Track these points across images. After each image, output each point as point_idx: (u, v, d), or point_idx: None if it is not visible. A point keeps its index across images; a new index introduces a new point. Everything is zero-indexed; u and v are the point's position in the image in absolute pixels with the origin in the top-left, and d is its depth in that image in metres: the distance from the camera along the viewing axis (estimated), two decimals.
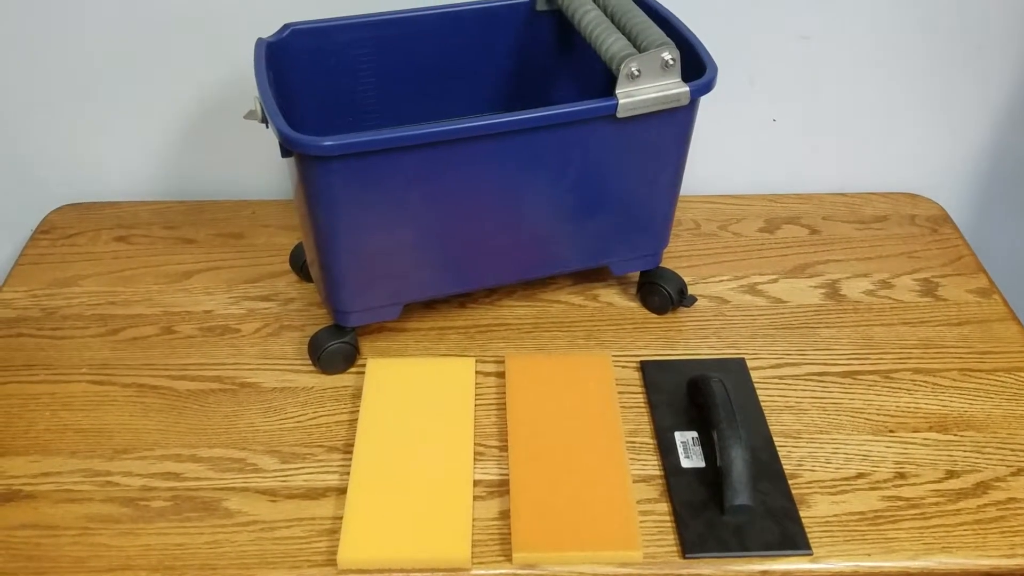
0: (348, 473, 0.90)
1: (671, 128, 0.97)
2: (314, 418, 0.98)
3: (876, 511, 0.89)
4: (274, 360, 1.04)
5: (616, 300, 1.12)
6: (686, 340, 1.07)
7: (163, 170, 1.27)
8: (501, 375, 1.02)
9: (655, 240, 1.06)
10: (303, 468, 0.92)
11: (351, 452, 0.93)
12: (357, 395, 1.00)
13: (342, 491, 0.90)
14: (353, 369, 1.03)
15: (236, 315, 1.10)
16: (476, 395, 1.00)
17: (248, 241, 1.21)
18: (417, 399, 0.97)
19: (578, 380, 1.00)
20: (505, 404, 0.98)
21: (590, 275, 1.15)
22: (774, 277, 1.17)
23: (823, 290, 1.15)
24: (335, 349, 1.01)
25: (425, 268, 0.98)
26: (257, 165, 1.26)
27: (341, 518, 0.86)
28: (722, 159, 1.30)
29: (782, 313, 1.11)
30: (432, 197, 0.92)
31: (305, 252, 1.09)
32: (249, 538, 0.86)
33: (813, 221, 1.27)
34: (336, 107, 1.06)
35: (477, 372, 1.02)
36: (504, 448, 0.94)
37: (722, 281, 1.16)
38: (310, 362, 1.02)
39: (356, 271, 0.96)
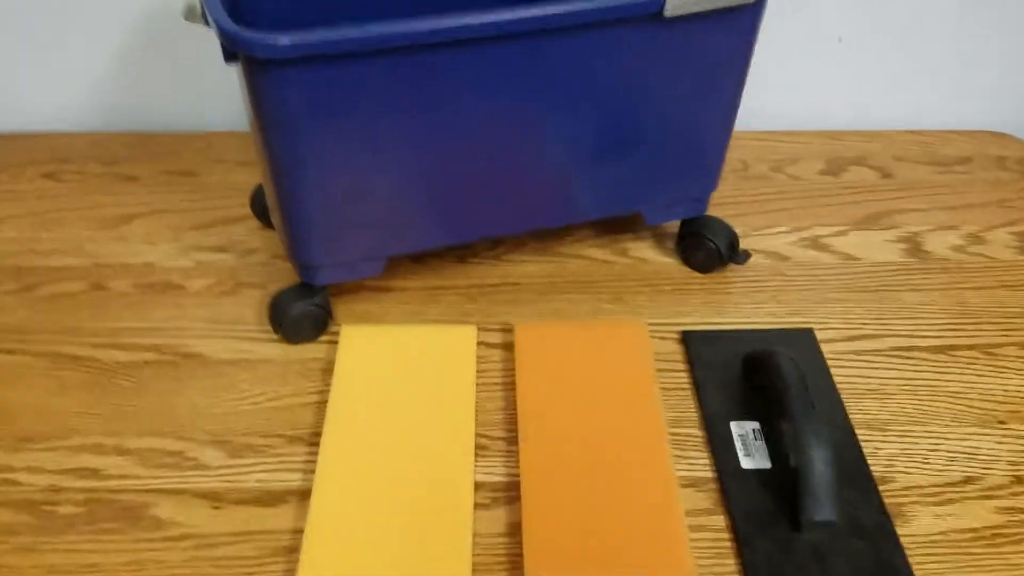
0: (314, 472, 0.70)
1: (732, 35, 0.76)
2: (274, 399, 0.77)
3: (993, 527, 0.69)
4: (227, 325, 0.84)
5: (650, 255, 0.92)
6: (738, 305, 0.86)
7: (101, 96, 1.06)
8: (509, 347, 0.82)
9: (702, 181, 0.85)
10: (257, 464, 0.72)
11: (319, 444, 0.72)
12: (329, 370, 0.79)
13: (306, 495, 0.70)
14: (325, 338, 0.83)
15: (182, 269, 0.89)
16: (478, 372, 0.80)
17: (201, 180, 1.00)
18: (403, 377, 0.77)
19: (605, 354, 0.79)
20: (514, 384, 0.78)
21: (618, 224, 0.95)
22: (842, 228, 0.96)
23: (903, 245, 0.94)
24: (301, 312, 0.80)
25: (412, 213, 0.77)
26: (213, 87, 1.05)
27: (302, 532, 0.66)
28: (774, 87, 1.09)
29: (855, 273, 0.90)
30: (419, 119, 0.71)
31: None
32: (182, 557, 0.66)
33: (883, 162, 1.05)
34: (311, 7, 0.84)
35: (479, 343, 0.82)
36: (513, 441, 0.74)
37: (779, 233, 0.95)
38: (271, 329, 0.82)
39: (324, 215, 0.75)
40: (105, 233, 0.93)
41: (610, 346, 0.80)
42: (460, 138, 0.73)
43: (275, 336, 0.82)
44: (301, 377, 0.79)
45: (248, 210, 0.95)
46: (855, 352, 0.82)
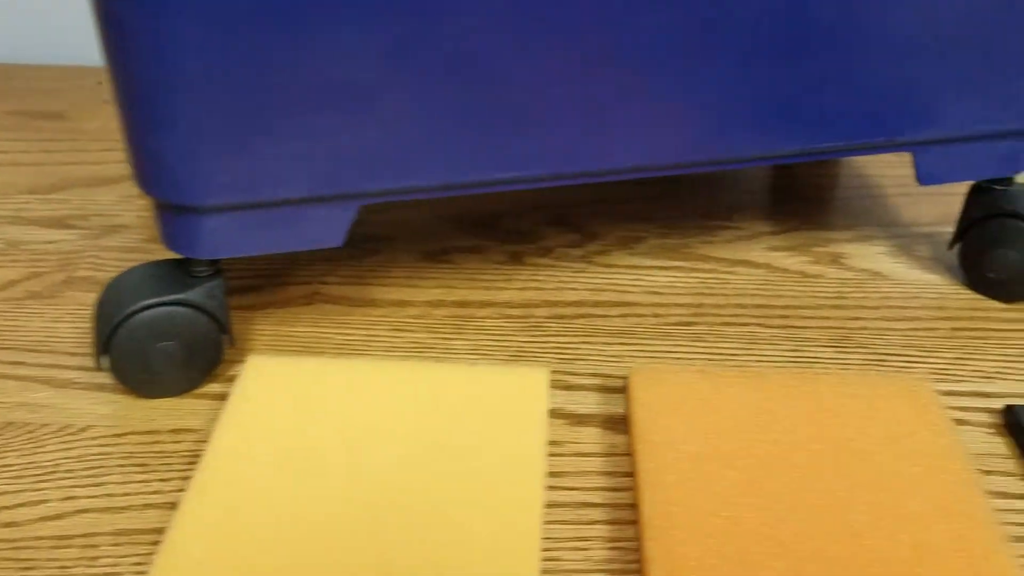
0: None
1: None
2: (96, 510, 0.33)
3: None
4: (21, 354, 0.40)
5: (889, 267, 0.47)
6: None
7: None
8: (614, 422, 0.37)
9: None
10: None
11: None
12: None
13: None
14: (216, 386, 0.38)
15: None
16: (551, 476, 0.34)
17: (71, 125, 0.58)
18: (387, 476, 0.32)
19: (850, 444, 0.34)
20: (638, 502, 0.32)
21: (809, 212, 0.50)
22: None
23: None
24: (156, 321, 0.36)
25: (394, 107, 0.34)
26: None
27: None
28: None
29: None
30: None
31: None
32: None
33: None
34: None
35: (553, 412, 0.37)
36: None
37: None
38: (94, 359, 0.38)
39: (212, 83, 0.32)
40: None
41: (861, 428, 0.34)
42: None
43: (106, 375, 0.38)
44: (144, 471, 0.34)
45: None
46: None
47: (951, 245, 0.45)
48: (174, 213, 0.35)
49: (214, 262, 0.36)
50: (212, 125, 0.33)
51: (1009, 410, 0.37)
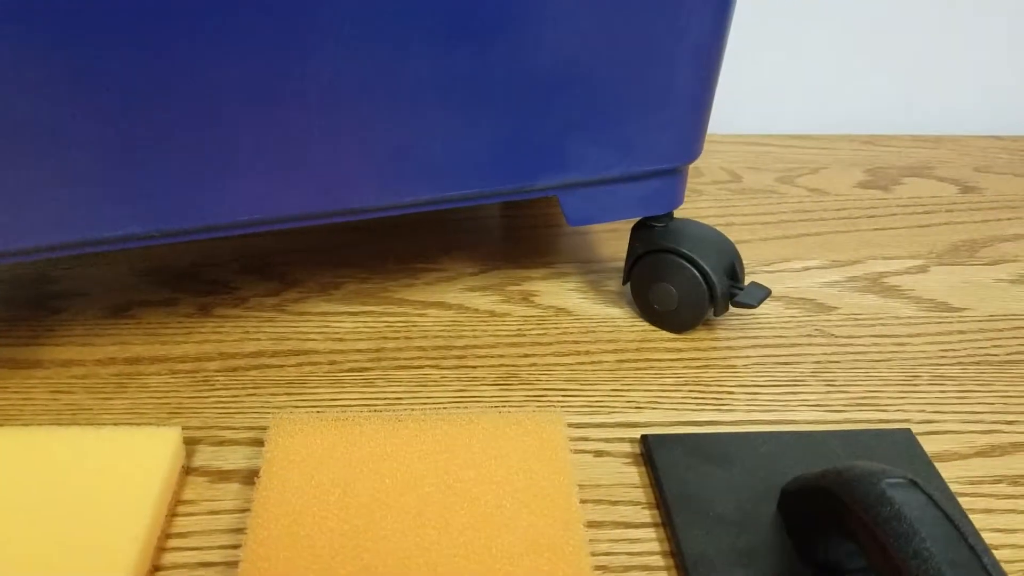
0: None
1: None
2: None
3: None
4: None
5: (575, 302, 0.48)
6: (752, 390, 0.43)
7: None
8: (250, 476, 0.37)
9: (671, 135, 0.43)
10: None
11: None
12: None
13: None
14: None
15: None
16: (172, 538, 0.34)
17: None
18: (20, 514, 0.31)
19: (469, 489, 0.34)
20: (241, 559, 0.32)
21: (514, 245, 0.52)
22: (918, 263, 0.54)
23: None
24: None
25: (44, 150, 0.34)
26: None
27: None
28: (773, 75, 0.69)
29: (963, 332, 0.48)
30: None
31: None
32: None
33: (959, 173, 0.65)
34: None
35: (193, 470, 0.37)
36: None
37: (808, 269, 0.53)
38: None
39: None
40: None
41: (483, 471, 0.35)
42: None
43: None
44: None
45: None
46: (1010, 478, 0.39)
47: (624, 281, 0.47)
48: None
49: None
50: None
51: (644, 440, 0.39)
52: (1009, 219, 0.59)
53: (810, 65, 0.69)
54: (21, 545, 0.32)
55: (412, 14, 0.35)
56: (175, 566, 0.33)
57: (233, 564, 0.33)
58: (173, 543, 0.34)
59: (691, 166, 0.45)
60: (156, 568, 0.33)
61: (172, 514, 0.35)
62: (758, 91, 0.69)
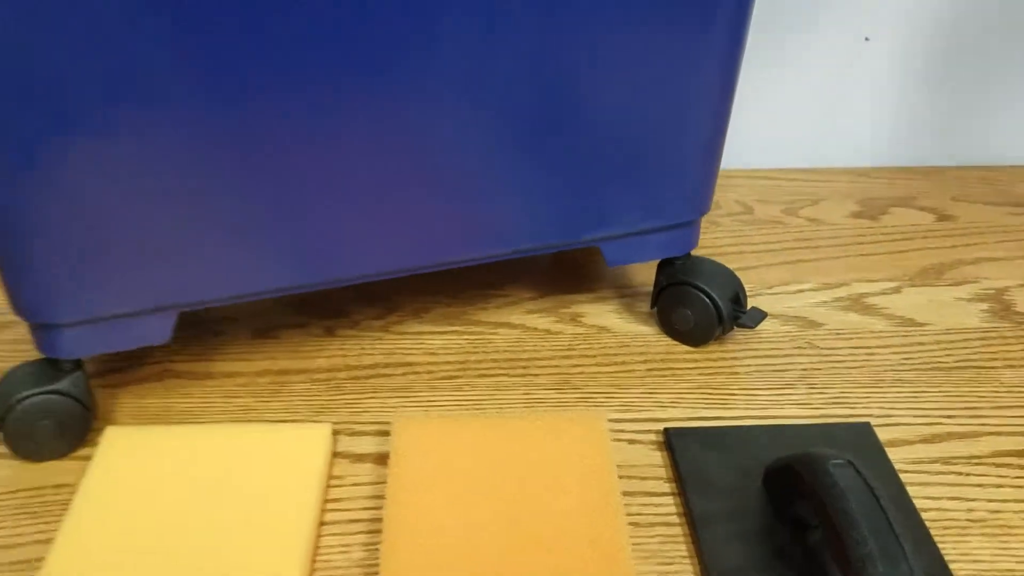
0: None
1: None
2: None
3: None
4: None
5: (614, 322, 0.62)
6: (751, 392, 0.56)
7: None
8: (384, 459, 0.51)
9: (686, 196, 0.56)
10: None
11: None
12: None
13: None
14: (85, 450, 0.51)
15: None
16: (329, 502, 0.48)
17: None
18: (202, 508, 0.45)
19: (537, 467, 0.48)
20: (384, 517, 0.46)
21: (566, 278, 0.65)
22: (894, 284, 0.66)
23: (983, 305, 0.64)
24: (35, 405, 0.49)
25: (211, 232, 0.48)
26: None
27: None
28: (776, 114, 0.81)
29: (922, 343, 0.60)
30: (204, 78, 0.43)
31: None
32: None
33: (938, 202, 0.77)
34: None
35: (338, 455, 0.51)
36: None
37: (803, 291, 0.65)
38: None
39: (60, 231, 0.45)
40: None
41: (547, 453, 0.49)
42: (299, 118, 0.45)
43: (2, 445, 0.50)
44: (33, 517, 0.47)
45: None
46: (942, 459, 0.51)
47: (652, 306, 0.60)
48: (40, 329, 0.48)
49: (75, 359, 0.50)
50: (61, 253, 0.46)
51: (666, 432, 0.52)
52: (976, 244, 0.71)
53: (810, 101, 0.81)
54: (223, 511, 0.46)
55: (511, 113, 0.49)
56: (334, 522, 0.47)
57: (374, 520, 0.47)
58: (330, 506, 0.48)
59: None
60: (322, 523, 0.47)
61: (328, 486, 0.49)
62: (765, 125, 0.82)
